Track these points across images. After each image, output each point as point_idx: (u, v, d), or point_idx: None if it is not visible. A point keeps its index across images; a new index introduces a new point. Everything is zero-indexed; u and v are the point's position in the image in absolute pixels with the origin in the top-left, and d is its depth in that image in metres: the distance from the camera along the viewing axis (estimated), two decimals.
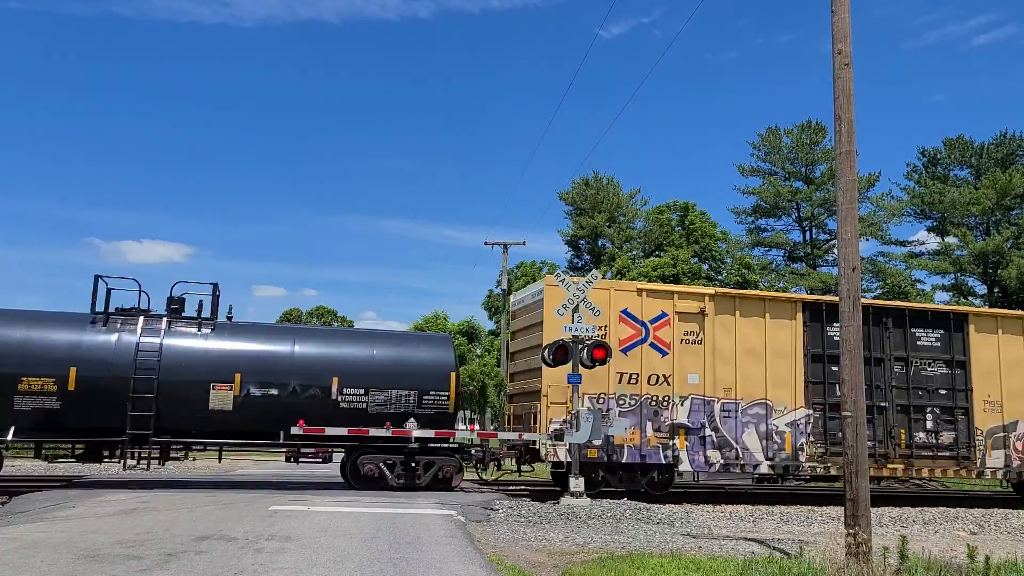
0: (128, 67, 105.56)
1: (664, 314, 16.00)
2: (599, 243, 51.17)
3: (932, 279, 47.70)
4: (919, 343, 17.30)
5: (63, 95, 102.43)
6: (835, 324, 16.68)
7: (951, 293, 46.40)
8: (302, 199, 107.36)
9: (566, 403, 14.75)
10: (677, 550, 9.41)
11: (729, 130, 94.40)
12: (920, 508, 15.89)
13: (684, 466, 15.71)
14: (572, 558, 8.89)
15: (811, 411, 16.40)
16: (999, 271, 43.27)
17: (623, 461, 15.36)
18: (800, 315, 16.71)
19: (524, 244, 61.24)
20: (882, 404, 16.78)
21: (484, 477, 16.22)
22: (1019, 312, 19.95)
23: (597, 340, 14.44)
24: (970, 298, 45.80)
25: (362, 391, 14.80)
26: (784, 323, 16.59)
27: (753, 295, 17.70)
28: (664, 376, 15.79)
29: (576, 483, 13.73)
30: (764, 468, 16.14)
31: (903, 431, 16.84)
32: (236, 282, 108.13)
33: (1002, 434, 17.34)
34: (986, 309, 16.21)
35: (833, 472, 16.55)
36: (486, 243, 35.19)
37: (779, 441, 16.15)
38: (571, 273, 40.94)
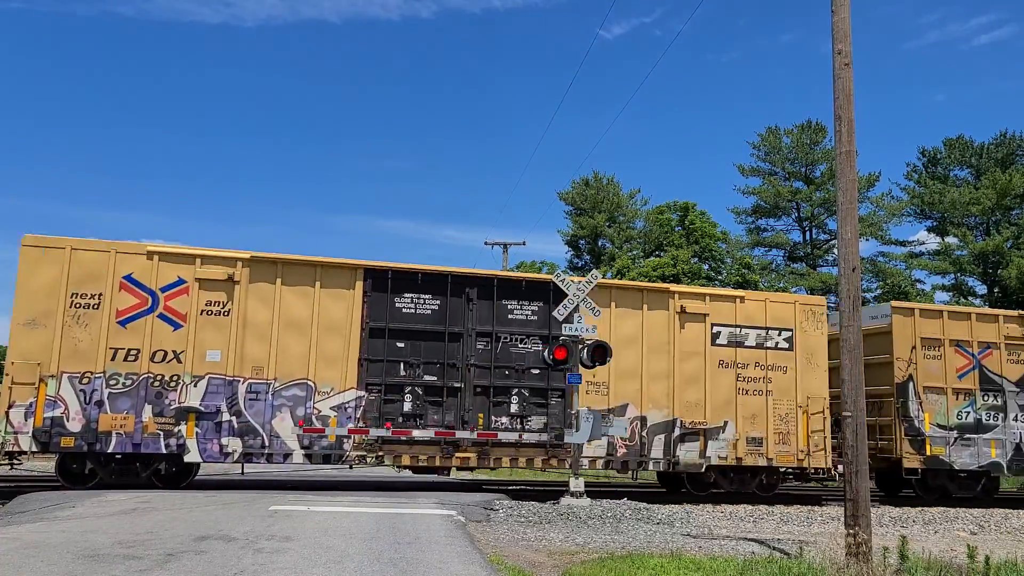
0: (129, 67, 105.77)
1: (182, 281, 14.10)
2: (599, 243, 51.16)
3: (932, 279, 47.73)
4: (510, 317, 15.46)
5: (63, 95, 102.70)
6: (405, 295, 15.14)
7: (951, 293, 46.39)
8: (302, 199, 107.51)
9: (35, 383, 13.15)
10: (677, 550, 9.42)
11: (729, 130, 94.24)
12: (920, 508, 15.93)
13: (192, 456, 13.80)
14: (572, 558, 8.90)
15: (364, 393, 14.60)
16: (999, 271, 43.25)
17: (109, 451, 13.45)
18: (361, 284, 14.85)
19: (524, 244, 61.64)
20: (456, 385, 14.97)
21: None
22: (638, 283, 17.64)
23: (598, 340, 14.08)
24: (970, 298, 45.81)
25: None
26: (341, 293, 14.76)
27: (302, 260, 14.87)
28: (175, 352, 13.89)
29: (576, 483, 13.73)
30: (298, 457, 14.28)
31: (481, 415, 14.97)
32: None
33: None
34: (598, 279, 13.95)
35: (387, 462, 14.79)
36: (486, 243, 35.40)
37: (320, 426, 14.51)
38: (571, 273, 40.93)
